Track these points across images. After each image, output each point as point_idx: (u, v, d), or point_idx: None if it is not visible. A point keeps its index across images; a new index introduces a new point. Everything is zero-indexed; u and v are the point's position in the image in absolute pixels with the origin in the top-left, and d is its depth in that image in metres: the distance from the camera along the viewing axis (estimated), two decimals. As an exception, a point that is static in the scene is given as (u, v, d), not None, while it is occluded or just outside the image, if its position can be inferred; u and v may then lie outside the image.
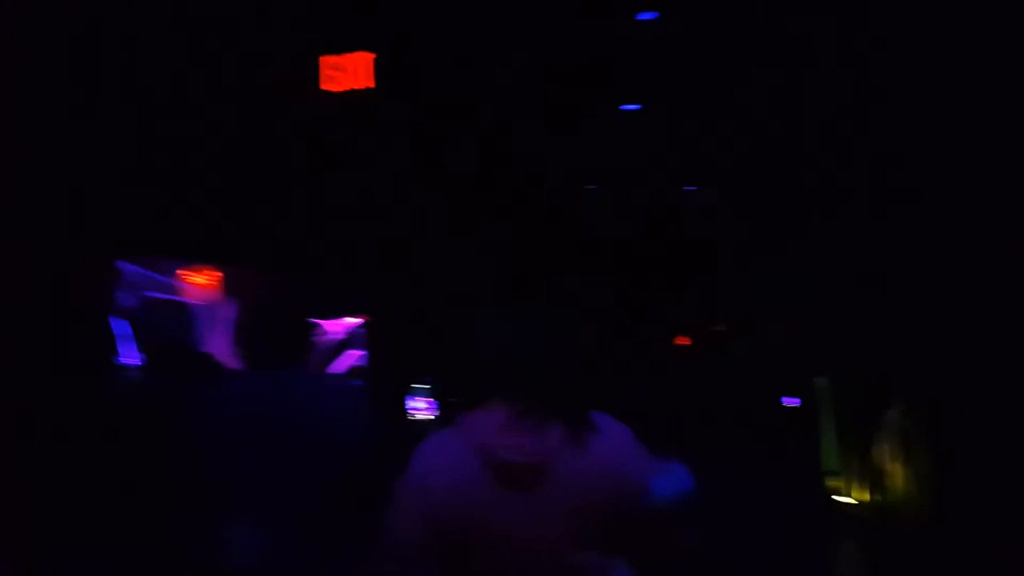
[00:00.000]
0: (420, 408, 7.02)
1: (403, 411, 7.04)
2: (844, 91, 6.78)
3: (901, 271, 6.84)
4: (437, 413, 6.75)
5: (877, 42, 6.64)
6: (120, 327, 5.75)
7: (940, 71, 6.23)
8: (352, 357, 7.47)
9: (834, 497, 7.35)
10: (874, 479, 7.02)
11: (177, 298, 6.43)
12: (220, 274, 6.67)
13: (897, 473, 6.82)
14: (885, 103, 6.65)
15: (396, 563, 1.66)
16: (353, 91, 5.94)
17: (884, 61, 6.59)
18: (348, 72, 5.88)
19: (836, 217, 7.50)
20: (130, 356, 5.74)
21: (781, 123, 7.46)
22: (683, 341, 12.69)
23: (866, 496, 7.10)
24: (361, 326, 7.02)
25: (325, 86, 6.08)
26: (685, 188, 11.11)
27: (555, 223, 9.21)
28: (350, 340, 7.49)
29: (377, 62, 5.94)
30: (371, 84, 5.93)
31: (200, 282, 6.57)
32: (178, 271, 6.70)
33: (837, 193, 7.39)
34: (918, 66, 6.39)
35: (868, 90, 6.67)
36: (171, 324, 5.94)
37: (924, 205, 6.76)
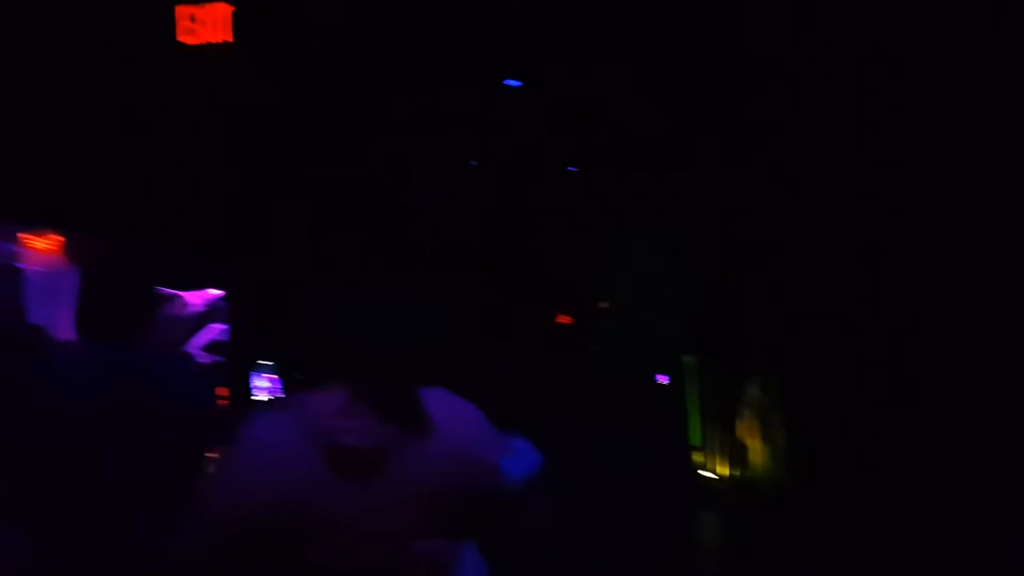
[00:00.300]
0: (263, 387, 6.69)
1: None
2: (707, 70, 6.87)
3: (762, 250, 7.08)
4: (280, 392, 6.47)
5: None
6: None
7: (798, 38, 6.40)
8: (213, 331, 7.04)
9: (699, 472, 7.57)
10: (735, 453, 7.28)
11: (13, 264, 5.92)
12: (62, 239, 6.18)
13: (756, 447, 7.08)
14: (750, 82, 6.81)
15: (200, 553, 1.51)
16: (210, 45, 5.58)
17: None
18: (207, 24, 5.52)
19: (703, 196, 7.66)
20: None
21: (647, 102, 7.54)
22: (564, 319, 12.77)
23: (727, 470, 7.34)
24: (223, 299, 6.64)
25: (181, 38, 5.69)
26: (569, 168, 11.14)
27: (419, 196, 9.02)
28: (212, 313, 7.05)
29: (236, 15, 5.60)
30: (228, 38, 5.59)
31: (42, 247, 6.08)
32: (19, 235, 6.19)
33: (703, 174, 7.55)
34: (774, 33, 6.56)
35: (727, 68, 6.78)
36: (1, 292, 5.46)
37: (785, 189, 7.02)
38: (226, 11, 5.67)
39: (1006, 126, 4.93)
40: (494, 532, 1.66)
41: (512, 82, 8.21)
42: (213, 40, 5.66)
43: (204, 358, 2.88)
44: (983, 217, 5.56)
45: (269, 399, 6.48)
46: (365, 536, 1.50)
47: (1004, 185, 5.11)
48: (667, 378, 8.78)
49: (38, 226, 6.35)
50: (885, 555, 5.24)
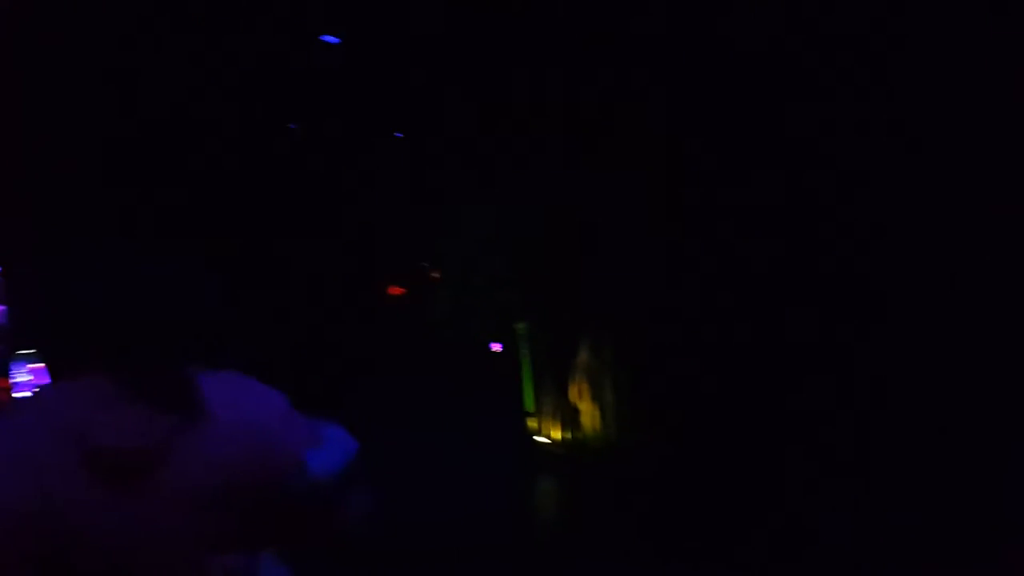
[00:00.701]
0: (24, 380, 5.95)
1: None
2: (536, 33, 6.80)
3: (590, 219, 7.17)
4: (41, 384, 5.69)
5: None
6: None
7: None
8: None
9: (533, 437, 7.64)
10: (567, 418, 7.39)
11: None
12: None
13: (587, 410, 7.22)
14: (582, 53, 6.81)
15: None
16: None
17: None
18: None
19: (533, 163, 7.64)
20: None
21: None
22: (397, 291, 12.46)
23: (560, 434, 7.45)
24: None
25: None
26: (396, 134, 10.82)
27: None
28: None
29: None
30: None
31: None
32: None
33: (534, 142, 7.52)
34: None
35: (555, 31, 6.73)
36: None
37: (600, 154, 7.10)
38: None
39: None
40: (298, 538, 1.47)
41: (329, 38, 7.82)
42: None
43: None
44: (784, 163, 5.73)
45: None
46: (139, 549, 1.29)
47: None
48: (500, 346, 8.78)
49: None
50: (713, 514, 5.42)
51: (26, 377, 5.98)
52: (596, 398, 7.12)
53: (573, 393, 7.32)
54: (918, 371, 4.92)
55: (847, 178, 5.23)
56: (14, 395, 5.89)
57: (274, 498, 1.40)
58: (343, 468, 1.49)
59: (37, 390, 1.45)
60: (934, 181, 4.79)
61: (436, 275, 9.99)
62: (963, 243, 4.69)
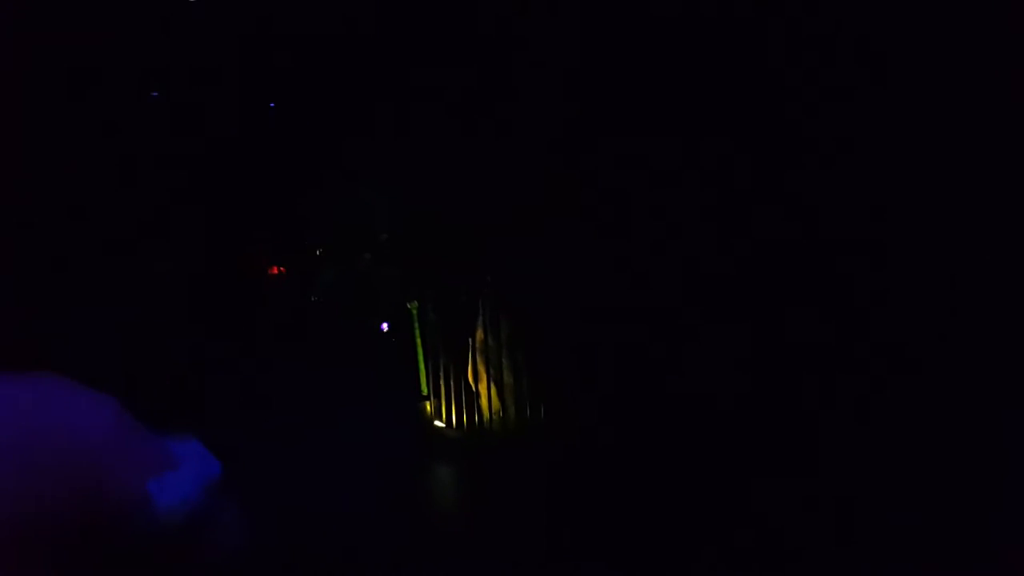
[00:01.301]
0: None
1: None
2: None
3: (482, 187, 6.84)
4: None
5: None
6: None
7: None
8: None
9: (429, 422, 7.28)
10: (464, 401, 7.07)
11: None
12: None
13: (484, 392, 6.94)
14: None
15: None
16: None
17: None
18: None
19: (420, 134, 7.23)
20: None
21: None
22: (275, 271, 11.81)
23: (456, 418, 7.11)
24: None
25: None
26: (269, 104, 10.14)
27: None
28: None
29: None
30: None
31: None
32: None
33: (423, 108, 7.12)
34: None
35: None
36: None
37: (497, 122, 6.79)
38: None
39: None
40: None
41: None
42: None
43: None
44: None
45: None
46: None
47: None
48: (387, 325, 8.34)
49: None
50: (617, 502, 5.25)
51: None
52: (494, 380, 6.84)
53: (469, 375, 7.01)
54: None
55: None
56: None
57: (103, 542, 1.01)
58: (201, 496, 1.11)
59: None
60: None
61: (320, 252, 9.44)
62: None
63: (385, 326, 8.59)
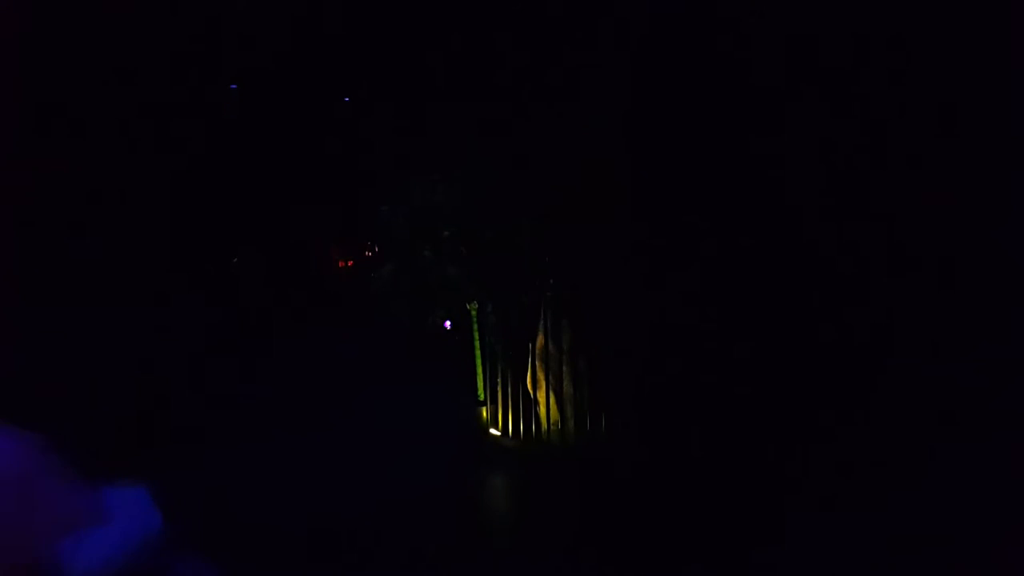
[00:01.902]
0: None
1: None
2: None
3: (554, 191, 6.55)
4: None
5: None
6: None
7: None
8: None
9: (489, 430, 7.01)
10: (521, 409, 6.77)
11: None
12: None
13: (543, 401, 6.64)
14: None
15: None
16: None
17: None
18: None
19: (489, 128, 6.98)
20: None
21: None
22: (343, 264, 11.75)
23: (512, 426, 6.83)
24: None
25: None
26: (344, 99, 10.05)
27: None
28: None
29: None
30: None
31: None
32: None
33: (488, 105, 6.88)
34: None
35: None
36: None
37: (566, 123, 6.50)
38: None
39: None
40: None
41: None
42: None
43: None
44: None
45: None
46: None
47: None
48: (449, 324, 8.12)
49: None
50: (677, 514, 5.03)
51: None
52: (554, 388, 6.53)
53: (530, 382, 6.72)
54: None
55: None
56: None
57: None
58: (132, 557, 0.87)
59: None
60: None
61: (378, 248, 9.29)
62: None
63: (448, 324, 8.38)
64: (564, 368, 6.49)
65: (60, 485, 0.94)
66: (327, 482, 5.56)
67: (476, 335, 7.13)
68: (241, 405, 6.91)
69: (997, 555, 3.80)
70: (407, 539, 5.03)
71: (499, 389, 6.96)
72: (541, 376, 6.63)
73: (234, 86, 10.16)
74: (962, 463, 4.33)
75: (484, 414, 7.07)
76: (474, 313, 7.14)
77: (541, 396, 6.65)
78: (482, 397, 7.10)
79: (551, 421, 6.59)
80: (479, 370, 7.13)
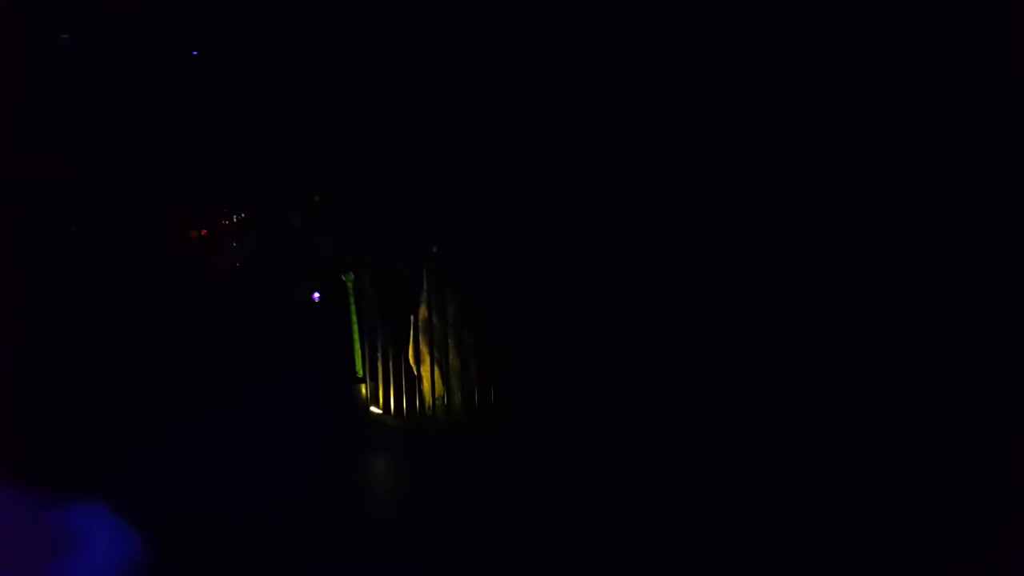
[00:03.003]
0: None
1: None
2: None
3: (432, 145, 6.18)
4: None
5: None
6: None
7: None
8: None
9: (369, 408, 6.62)
10: (404, 385, 6.44)
11: None
12: None
13: (426, 376, 6.32)
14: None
15: None
16: None
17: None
18: None
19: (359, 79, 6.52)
20: None
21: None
22: (198, 233, 10.92)
23: (395, 404, 6.50)
24: None
25: None
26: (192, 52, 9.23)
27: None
28: None
29: None
30: None
31: None
32: None
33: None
34: None
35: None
36: None
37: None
38: None
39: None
40: None
41: None
42: None
43: None
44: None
45: None
46: None
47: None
48: (318, 296, 7.63)
49: None
50: (573, 492, 4.95)
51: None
52: (439, 362, 6.22)
53: (411, 356, 6.38)
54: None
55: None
56: None
57: None
58: None
59: None
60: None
61: (242, 216, 8.63)
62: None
63: (317, 295, 7.88)
64: (449, 340, 6.18)
65: (24, 510, 0.63)
66: (196, 479, 5.09)
67: (352, 308, 6.71)
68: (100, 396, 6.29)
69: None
70: (286, 533, 4.64)
71: (379, 365, 6.57)
72: (424, 350, 6.31)
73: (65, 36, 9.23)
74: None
75: (363, 392, 6.67)
76: (350, 284, 6.71)
77: (425, 371, 6.33)
78: (361, 374, 6.71)
79: (436, 397, 6.28)
80: (356, 345, 6.73)
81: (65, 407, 6.01)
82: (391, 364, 6.49)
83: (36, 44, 8.25)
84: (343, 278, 6.74)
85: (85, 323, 6.98)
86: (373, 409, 6.60)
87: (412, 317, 6.34)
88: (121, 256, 8.44)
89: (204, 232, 11.06)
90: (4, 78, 7.66)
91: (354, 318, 6.71)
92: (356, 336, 6.71)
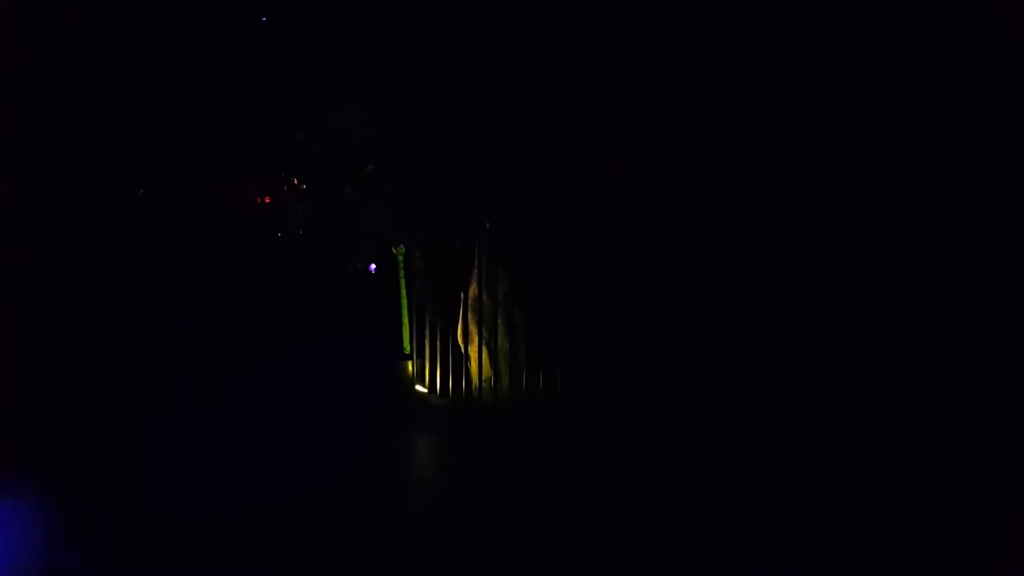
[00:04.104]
0: None
1: None
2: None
3: (495, 122, 5.94)
4: None
5: None
6: None
7: None
8: None
9: (415, 386, 6.45)
10: (451, 364, 6.25)
11: None
12: None
13: (474, 357, 6.11)
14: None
15: None
16: None
17: None
18: None
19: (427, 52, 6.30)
20: None
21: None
22: (263, 199, 10.92)
23: (441, 383, 6.32)
24: None
25: None
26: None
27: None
28: None
29: None
30: None
31: None
32: None
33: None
34: None
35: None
36: None
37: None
38: None
39: None
40: None
41: None
42: None
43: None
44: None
45: None
46: None
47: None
48: (374, 268, 7.47)
49: None
50: (616, 477, 4.77)
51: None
52: (487, 343, 6.02)
53: (460, 335, 6.20)
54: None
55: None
56: None
57: None
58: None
59: None
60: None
61: (297, 184, 8.53)
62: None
63: (373, 267, 7.75)
64: (499, 320, 5.96)
65: None
66: (238, 464, 4.99)
67: (402, 283, 6.53)
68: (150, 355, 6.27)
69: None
70: (329, 516, 4.47)
71: (427, 342, 6.39)
72: (473, 329, 6.11)
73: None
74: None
75: (410, 369, 6.50)
76: (400, 258, 6.53)
77: (473, 351, 6.12)
78: (408, 351, 6.54)
79: (483, 378, 6.07)
80: (405, 321, 6.57)
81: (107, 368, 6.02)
82: (439, 342, 6.31)
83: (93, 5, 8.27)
84: (393, 251, 6.57)
85: (133, 287, 6.98)
86: (418, 387, 6.44)
87: (462, 295, 6.16)
88: (174, 219, 8.47)
89: (267, 199, 11.05)
90: (69, 40, 7.72)
91: (403, 293, 6.54)
92: (404, 312, 6.54)
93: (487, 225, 6.01)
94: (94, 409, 5.74)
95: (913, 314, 4.95)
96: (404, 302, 6.56)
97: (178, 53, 8.90)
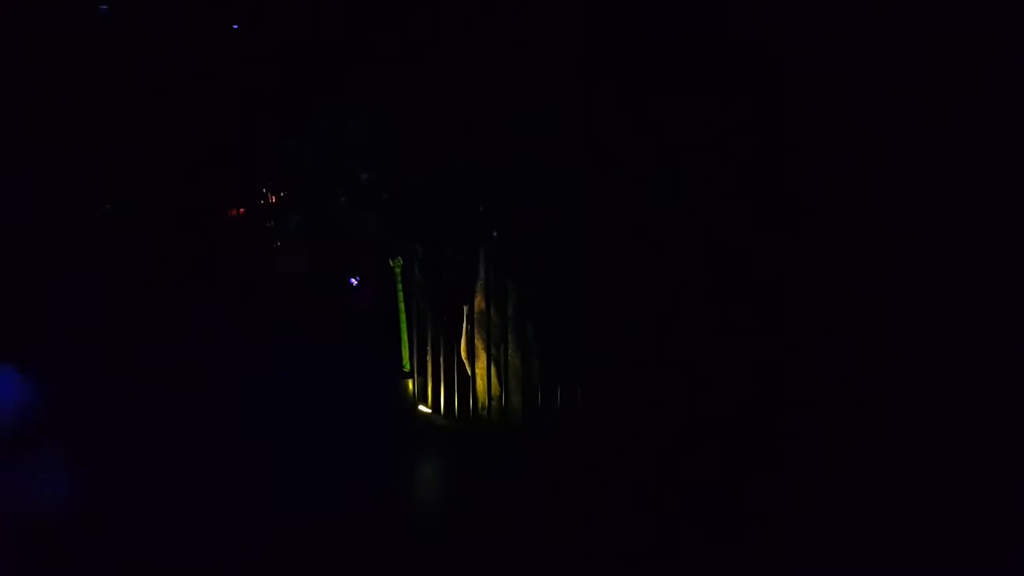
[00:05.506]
0: None
1: None
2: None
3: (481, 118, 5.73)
4: None
5: None
6: None
7: None
8: None
9: (417, 406, 6.23)
10: (455, 382, 6.01)
11: None
12: None
13: (480, 375, 5.89)
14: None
15: None
16: None
17: None
18: None
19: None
20: None
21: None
22: (235, 212, 10.67)
23: (445, 403, 6.08)
24: None
25: None
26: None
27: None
28: None
29: None
30: None
31: None
32: None
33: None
34: None
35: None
36: None
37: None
38: None
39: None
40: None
41: None
42: None
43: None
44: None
45: None
46: None
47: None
48: (356, 281, 7.28)
49: None
50: (624, 495, 4.69)
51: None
52: (495, 359, 5.81)
53: (464, 351, 5.96)
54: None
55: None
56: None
57: None
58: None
59: None
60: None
61: (283, 193, 8.32)
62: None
63: (355, 281, 7.54)
64: (508, 336, 5.72)
65: None
66: (232, 482, 4.72)
67: (400, 296, 6.29)
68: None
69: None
70: (332, 547, 4.24)
71: (428, 360, 6.15)
72: (480, 345, 5.89)
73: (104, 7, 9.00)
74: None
75: (410, 388, 6.26)
76: (398, 270, 6.29)
77: (480, 369, 5.91)
78: (408, 368, 6.30)
79: (491, 397, 5.83)
80: (404, 337, 6.32)
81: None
82: (442, 359, 6.08)
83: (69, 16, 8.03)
84: (390, 263, 6.32)
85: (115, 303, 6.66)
86: (421, 408, 6.19)
87: (466, 309, 5.92)
88: (153, 235, 8.17)
89: (242, 210, 10.76)
90: (47, 51, 7.46)
91: (402, 307, 6.32)
92: (403, 327, 6.31)
93: (493, 234, 5.77)
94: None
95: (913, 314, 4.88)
96: (403, 317, 6.33)
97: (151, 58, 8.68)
